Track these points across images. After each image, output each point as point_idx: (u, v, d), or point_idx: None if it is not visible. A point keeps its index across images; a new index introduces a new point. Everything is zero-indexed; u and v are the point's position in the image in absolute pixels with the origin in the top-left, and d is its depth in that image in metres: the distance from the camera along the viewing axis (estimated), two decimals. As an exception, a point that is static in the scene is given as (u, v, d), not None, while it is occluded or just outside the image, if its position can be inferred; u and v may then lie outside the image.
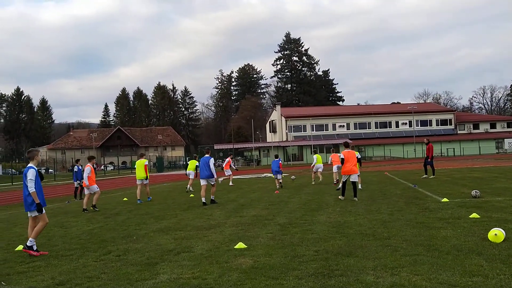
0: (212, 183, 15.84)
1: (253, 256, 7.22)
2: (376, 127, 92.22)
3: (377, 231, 8.85)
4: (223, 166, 28.67)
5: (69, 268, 7.09)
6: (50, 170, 79.28)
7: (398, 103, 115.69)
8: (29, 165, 8.54)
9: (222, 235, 9.33)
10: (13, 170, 71.14)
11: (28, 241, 8.33)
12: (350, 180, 14.65)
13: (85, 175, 15.81)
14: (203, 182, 15.72)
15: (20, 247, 8.86)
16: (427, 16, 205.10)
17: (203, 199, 15.43)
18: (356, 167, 14.82)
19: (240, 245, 7.95)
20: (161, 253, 7.84)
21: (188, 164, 24.77)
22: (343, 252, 7.14)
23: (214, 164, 15.63)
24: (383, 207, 12.33)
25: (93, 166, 16.14)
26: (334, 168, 21.17)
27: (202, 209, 14.14)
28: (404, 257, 6.62)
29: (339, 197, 14.86)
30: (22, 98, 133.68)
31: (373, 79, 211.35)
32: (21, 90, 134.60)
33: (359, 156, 16.09)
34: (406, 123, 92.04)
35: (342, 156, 14.71)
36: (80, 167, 21.84)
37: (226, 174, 27.02)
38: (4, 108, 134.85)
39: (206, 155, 15.86)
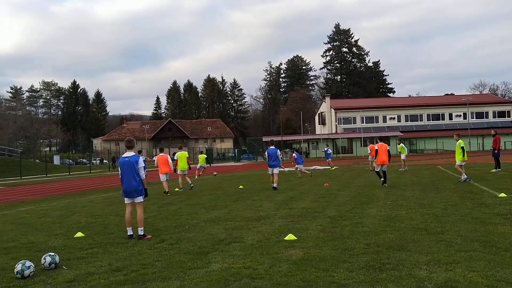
0: (276, 172, 17.59)
1: (303, 247, 7.24)
2: (428, 119, 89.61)
3: (430, 225, 8.65)
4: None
5: (124, 255, 7.35)
6: (104, 161, 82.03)
7: (452, 94, 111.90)
8: (132, 153, 8.89)
9: (272, 226, 9.39)
10: (70, 160, 74.19)
11: (140, 231, 8.70)
12: (383, 169, 17.29)
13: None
14: (270, 171, 17.75)
15: (79, 234, 9.27)
16: (482, 4, 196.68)
17: (273, 185, 17.54)
18: (387, 158, 17.33)
19: (290, 236, 7.99)
20: (213, 242, 7.99)
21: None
22: (395, 246, 7.04)
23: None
24: (436, 201, 12.03)
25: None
26: (370, 158, 26.20)
27: (251, 201, 14.27)
28: (459, 253, 6.45)
29: (383, 183, 17.08)
30: (78, 91, 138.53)
31: (425, 70, 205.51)
32: (77, 83, 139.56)
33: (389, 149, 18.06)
34: (460, 115, 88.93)
35: (376, 148, 17.60)
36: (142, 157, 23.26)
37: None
38: (61, 101, 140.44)
39: (272, 147, 17.89)
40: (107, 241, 8.57)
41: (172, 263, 6.64)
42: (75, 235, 9.31)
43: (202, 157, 30.12)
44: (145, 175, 8.89)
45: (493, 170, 21.67)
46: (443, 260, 6.09)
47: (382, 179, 17.16)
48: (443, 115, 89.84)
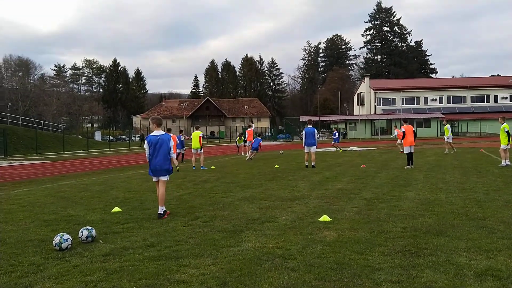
0: (314, 151, 18.12)
1: (338, 229, 7.12)
2: (472, 101, 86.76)
3: (471, 210, 8.37)
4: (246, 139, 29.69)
5: (159, 231, 7.43)
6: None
7: (499, 75, 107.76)
8: (161, 131, 8.77)
9: (307, 207, 9.30)
10: (110, 136, 75.91)
11: (160, 210, 8.63)
12: (411, 151, 17.25)
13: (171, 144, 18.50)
14: (306, 149, 18.22)
15: (116, 209, 9.44)
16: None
17: (306, 163, 18.35)
18: (413, 139, 17.31)
19: (325, 217, 7.88)
20: (246, 221, 7.97)
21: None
22: (433, 231, 6.83)
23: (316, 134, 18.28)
24: (478, 186, 11.63)
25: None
26: (399, 140, 26.60)
27: (287, 180, 14.19)
28: (502, 240, 6.20)
29: (405, 167, 17.12)
30: (119, 69, 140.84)
31: (471, 50, 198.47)
32: (117, 61, 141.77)
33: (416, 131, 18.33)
34: (506, 97, 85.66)
35: (403, 130, 17.49)
36: (182, 137, 25.06)
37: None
38: (102, 79, 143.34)
39: (310, 126, 18.26)
40: (143, 217, 8.69)
41: (206, 241, 6.65)
42: (113, 210, 9.48)
43: (240, 140, 31.42)
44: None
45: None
46: (484, 247, 5.87)
47: (410, 165, 17.11)
48: (488, 97, 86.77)
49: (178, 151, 24.40)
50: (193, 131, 21.06)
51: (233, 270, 5.22)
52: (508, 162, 16.74)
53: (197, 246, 6.37)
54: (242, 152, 29.90)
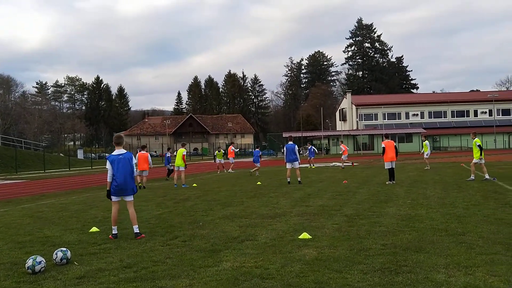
0: (297, 167, 18.38)
1: (317, 247, 7.06)
2: (453, 116, 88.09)
3: (451, 226, 8.38)
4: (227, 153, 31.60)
5: (137, 251, 7.28)
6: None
7: (478, 90, 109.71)
8: (123, 150, 8.62)
9: (287, 224, 9.23)
10: (93, 154, 75.12)
11: (135, 229, 8.50)
12: (392, 166, 17.25)
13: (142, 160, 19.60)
14: (289, 165, 18.49)
15: (94, 229, 9.26)
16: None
17: (288, 179, 18.59)
18: (395, 155, 17.32)
19: (305, 235, 7.82)
20: (226, 240, 7.87)
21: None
22: (413, 247, 6.81)
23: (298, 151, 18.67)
24: (458, 201, 11.70)
25: (145, 152, 20.21)
26: (344, 157, 30.13)
27: (268, 197, 14.12)
28: (480, 256, 6.19)
29: (387, 182, 17.08)
30: (102, 86, 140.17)
31: (451, 66, 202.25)
32: (100, 78, 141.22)
33: (397, 146, 18.56)
34: (485, 112, 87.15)
35: (383, 146, 17.56)
36: (169, 154, 26.24)
37: (231, 162, 30.43)
38: (85, 96, 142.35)
39: (290, 142, 18.65)
40: (120, 237, 8.52)
41: (183, 261, 6.53)
42: (90, 230, 9.30)
43: (219, 154, 30.93)
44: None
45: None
46: (463, 263, 5.85)
47: (391, 181, 17.14)
48: (468, 111, 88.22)
49: (167, 167, 24.83)
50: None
51: (210, 292, 5.12)
52: (488, 176, 16.98)
53: (175, 266, 6.25)
54: (218, 170, 29.85)
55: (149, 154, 20.33)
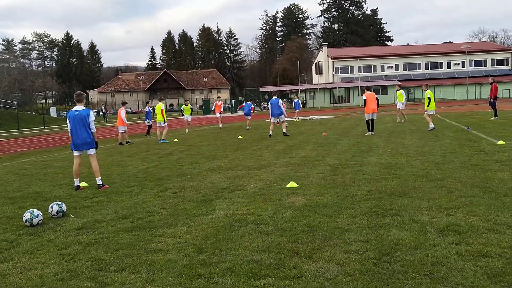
0: (282, 120, 19.31)
1: (305, 194, 7.35)
2: (427, 68, 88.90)
3: (430, 172, 8.76)
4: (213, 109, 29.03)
5: (129, 203, 7.46)
6: (100, 113, 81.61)
7: (451, 42, 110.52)
8: (81, 107, 8.94)
9: (273, 174, 9.49)
10: (66, 112, 73.86)
11: (98, 180, 8.98)
12: (372, 117, 17.65)
13: (118, 117, 19.75)
14: (273, 120, 19.08)
15: (83, 184, 9.36)
16: None
17: (271, 133, 18.79)
18: (376, 107, 17.66)
19: (292, 184, 8.09)
20: (216, 190, 8.09)
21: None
22: (396, 193, 7.15)
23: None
24: (435, 149, 12.12)
25: (125, 110, 19.95)
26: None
27: (251, 150, 14.35)
28: (460, 198, 6.56)
29: (366, 134, 17.52)
30: (72, 42, 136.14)
31: (425, 17, 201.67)
32: (70, 34, 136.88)
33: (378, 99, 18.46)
34: (458, 64, 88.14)
35: (364, 98, 17.93)
36: (150, 109, 24.85)
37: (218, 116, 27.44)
38: (55, 53, 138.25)
39: (275, 97, 19.20)
40: (111, 190, 8.67)
41: (178, 211, 6.75)
42: (79, 184, 9.38)
43: (187, 108, 26.41)
44: (95, 128, 9.10)
45: (492, 118, 21.72)
46: (444, 206, 6.21)
47: (370, 132, 17.54)
48: (441, 63, 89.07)
49: (146, 123, 24.06)
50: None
51: (208, 237, 5.36)
52: (432, 126, 17.72)
53: (170, 216, 6.46)
54: (187, 129, 25.94)
55: (122, 110, 19.77)
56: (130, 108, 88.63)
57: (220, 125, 27.42)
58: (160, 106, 20.34)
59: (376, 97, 18.16)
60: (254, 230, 5.55)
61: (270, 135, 18.71)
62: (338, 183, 8.15)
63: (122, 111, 19.80)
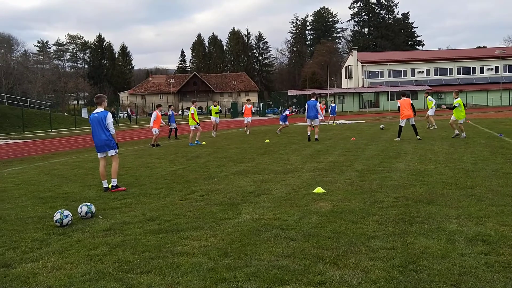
0: (316, 124, 18.41)
1: (332, 200, 7.31)
2: (459, 73, 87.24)
3: (460, 180, 8.60)
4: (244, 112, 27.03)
5: (157, 205, 7.56)
6: (126, 115, 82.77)
7: (484, 47, 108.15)
8: (101, 109, 9.12)
9: (300, 179, 9.47)
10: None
11: (113, 182, 9.10)
12: (410, 123, 17.48)
13: (151, 119, 19.92)
14: (308, 122, 18.60)
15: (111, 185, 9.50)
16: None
17: (308, 133, 18.62)
18: (412, 112, 17.44)
19: (319, 189, 8.06)
20: (242, 194, 8.13)
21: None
22: (424, 200, 7.05)
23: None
24: (466, 156, 11.89)
25: (159, 112, 20.27)
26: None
27: (278, 154, 14.35)
28: (490, 207, 6.42)
29: (395, 139, 17.37)
30: (104, 44, 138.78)
31: (458, 21, 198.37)
32: (102, 36, 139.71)
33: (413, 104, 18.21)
34: (492, 69, 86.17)
35: (398, 104, 17.90)
36: (173, 112, 24.83)
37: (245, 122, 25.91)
38: (87, 55, 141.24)
39: (313, 99, 18.56)
40: (139, 192, 8.80)
41: (204, 214, 6.80)
42: (108, 186, 9.55)
43: (215, 109, 25.43)
44: (115, 130, 9.22)
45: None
46: (474, 214, 6.09)
47: (398, 138, 17.38)
48: (474, 68, 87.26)
49: (170, 126, 24.06)
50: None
51: (234, 241, 5.39)
52: (457, 132, 17.36)
53: (196, 219, 6.52)
54: (213, 131, 25.24)
55: (154, 113, 20.23)
56: (174, 111, 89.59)
57: (248, 131, 25.85)
58: (190, 110, 20.39)
59: (411, 103, 17.90)
60: (279, 235, 5.55)
61: (309, 138, 18.46)
62: (365, 189, 8.08)
63: (154, 114, 20.22)
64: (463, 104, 17.58)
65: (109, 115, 9.09)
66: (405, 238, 5.23)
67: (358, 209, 6.63)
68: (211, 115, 25.91)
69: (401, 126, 17.63)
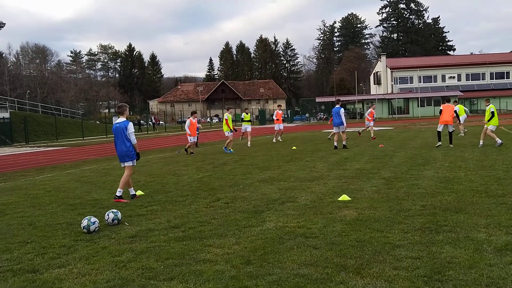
0: (342, 131, 18.16)
1: (357, 208, 7.23)
2: (492, 78, 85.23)
3: (491, 188, 8.39)
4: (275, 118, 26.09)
5: (182, 212, 7.62)
6: (161, 122, 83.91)
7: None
8: (123, 119, 9.02)
9: (326, 187, 9.41)
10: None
11: (118, 192, 9.00)
12: (448, 130, 17.23)
13: (185, 127, 19.83)
14: (335, 130, 18.36)
15: (139, 192, 9.64)
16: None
17: (336, 143, 18.23)
18: (452, 118, 17.15)
19: (344, 197, 7.99)
20: (267, 202, 8.12)
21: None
22: (452, 208, 6.90)
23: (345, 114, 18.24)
24: (497, 163, 11.60)
25: (193, 119, 19.83)
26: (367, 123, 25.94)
27: (305, 161, 14.29)
28: (521, 216, 6.24)
29: (436, 145, 17.17)
30: (134, 54, 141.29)
31: (490, 25, 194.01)
32: (132, 46, 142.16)
33: (457, 110, 18.49)
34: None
35: (440, 108, 17.63)
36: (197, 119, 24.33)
37: (276, 129, 25.07)
38: (118, 64, 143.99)
39: (337, 106, 18.46)
40: (165, 199, 8.89)
41: (228, 221, 6.82)
42: (137, 192, 9.68)
43: (247, 116, 24.91)
44: (136, 140, 9.03)
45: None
46: (504, 223, 5.93)
47: (440, 143, 17.08)
48: (508, 73, 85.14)
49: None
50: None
51: (257, 249, 5.38)
52: (500, 141, 16.54)
53: (220, 226, 6.54)
54: (241, 137, 25.11)
55: (188, 120, 19.75)
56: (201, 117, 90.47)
57: (278, 138, 25.10)
58: (225, 116, 20.59)
59: (455, 110, 17.71)
60: (302, 243, 5.52)
61: (335, 147, 18.10)
62: (392, 197, 7.96)
63: (187, 121, 19.74)
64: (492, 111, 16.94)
65: (130, 125, 9.02)
66: (431, 247, 5.12)
67: (384, 218, 6.53)
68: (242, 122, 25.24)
69: (439, 132, 17.42)
